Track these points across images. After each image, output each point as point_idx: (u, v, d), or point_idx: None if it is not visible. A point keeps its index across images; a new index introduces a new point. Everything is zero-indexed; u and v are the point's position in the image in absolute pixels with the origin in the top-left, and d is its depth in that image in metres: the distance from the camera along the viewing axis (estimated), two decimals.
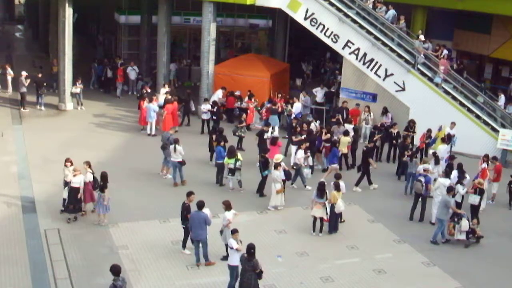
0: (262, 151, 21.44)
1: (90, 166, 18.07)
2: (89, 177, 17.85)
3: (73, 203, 17.51)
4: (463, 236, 17.78)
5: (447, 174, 19.35)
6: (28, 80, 29.01)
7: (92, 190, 17.88)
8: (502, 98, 27.40)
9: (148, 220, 18.07)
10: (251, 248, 13.47)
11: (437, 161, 21.02)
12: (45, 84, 29.68)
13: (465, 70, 29.16)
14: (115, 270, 12.27)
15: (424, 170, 19.47)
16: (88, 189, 17.80)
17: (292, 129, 23.85)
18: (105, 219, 17.57)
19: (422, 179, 19.09)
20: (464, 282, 15.81)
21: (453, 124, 24.00)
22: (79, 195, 17.57)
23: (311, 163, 21.69)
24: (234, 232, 14.51)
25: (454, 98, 26.01)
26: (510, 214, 19.59)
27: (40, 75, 30.04)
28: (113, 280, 12.18)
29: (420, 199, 19.16)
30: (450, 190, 18.03)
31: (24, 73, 29.26)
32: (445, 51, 27.82)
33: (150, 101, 26.17)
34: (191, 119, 28.18)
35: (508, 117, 26.07)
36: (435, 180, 19.77)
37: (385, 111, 26.25)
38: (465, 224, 17.69)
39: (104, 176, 17.47)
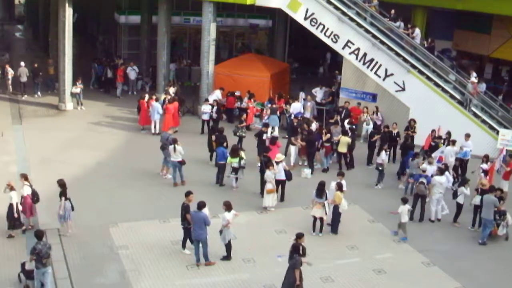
0: (263, 150, 21.44)
1: (27, 179, 17.19)
2: (27, 191, 16.83)
3: (11, 220, 16.57)
4: (505, 231, 18.09)
5: (442, 172, 19.36)
6: (26, 70, 31.16)
7: (31, 203, 16.88)
8: (474, 76, 27.45)
9: (148, 220, 18.07)
10: (292, 247, 14.04)
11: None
12: (40, 73, 31.66)
13: (435, 49, 29.15)
14: (38, 234, 13.83)
15: (423, 171, 19.49)
16: (28, 202, 16.76)
17: (293, 130, 23.83)
18: (69, 229, 16.77)
19: (424, 180, 19.09)
20: (464, 282, 15.81)
21: (467, 136, 23.27)
22: (15, 211, 16.43)
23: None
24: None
25: (451, 96, 26.05)
26: (510, 214, 19.54)
27: (36, 65, 31.98)
28: (35, 244, 13.59)
29: (419, 200, 19.18)
30: (493, 190, 18.19)
31: (22, 63, 31.60)
32: (417, 30, 27.71)
33: (157, 100, 26.26)
34: (191, 119, 28.29)
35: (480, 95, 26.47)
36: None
37: (376, 111, 26.34)
38: (510, 219, 18.07)
39: (62, 185, 16.78)
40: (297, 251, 13.97)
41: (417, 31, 27.69)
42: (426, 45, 28.20)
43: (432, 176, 19.65)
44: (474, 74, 27.47)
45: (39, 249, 13.51)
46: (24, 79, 31.22)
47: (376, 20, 27.44)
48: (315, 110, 28.09)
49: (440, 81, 26.31)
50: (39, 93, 31.38)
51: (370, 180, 22.24)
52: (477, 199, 18.72)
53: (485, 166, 21.00)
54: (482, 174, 20.62)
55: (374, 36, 26.88)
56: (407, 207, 17.98)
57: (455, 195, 19.23)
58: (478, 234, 18.48)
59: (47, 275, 13.69)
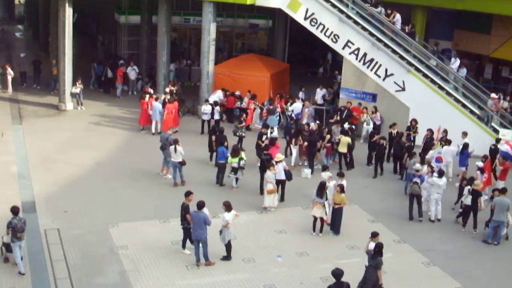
0: (262, 149, 21.44)
1: None
2: None
3: None
4: (505, 231, 18.17)
5: (441, 174, 19.36)
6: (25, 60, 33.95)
7: None
8: (457, 62, 27.52)
9: (148, 220, 18.07)
10: (376, 247, 14.13)
11: (422, 161, 21.02)
12: (41, 64, 33.55)
13: (416, 34, 28.98)
14: (14, 210, 14.90)
15: (417, 171, 19.55)
16: None
17: (296, 131, 23.79)
18: None
19: (418, 180, 19.13)
20: (464, 282, 15.81)
21: (464, 134, 23.28)
22: None
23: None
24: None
25: (450, 95, 26.02)
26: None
27: (37, 58, 34.17)
28: (11, 218, 14.73)
29: (415, 199, 19.22)
30: (505, 191, 18.23)
31: (22, 55, 34.86)
32: (398, 15, 27.70)
33: (156, 99, 26.31)
34: (191, 119, 28.41)
35: (460, 80, 26.62)
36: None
37: (374, 111, 26.35)
38: (511, 219, 18.16)
39: None
40: (380, 252, 14.09)
41: (398, 16, 27.67)
42: (407, 31, 28.18)
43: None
44: (458, 60, 27.58)
45: (15, 224, 14.67)
46: (23, 69, 33.47)
47: (357, 6, 27.44)
48: (312, 116, 27.22)
49: (436, 78, 26.34)
50: (38, 86, 32.77)
51: (370, 180, 22.26)
52: (468, 200, 18.81)
53: (480, 164, 21.06)
54: (478, 172, 20.69)
55: (373, 35, 26.88)
56: (328, 173, 19.29)
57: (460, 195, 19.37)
58: (478, 234, 18.53)
59: (20, 248, 14.78)
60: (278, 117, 26.99)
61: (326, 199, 17.76)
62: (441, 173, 19.36)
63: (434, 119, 24.74)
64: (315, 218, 17.80)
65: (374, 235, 14.84)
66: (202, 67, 28.97)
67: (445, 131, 23.48)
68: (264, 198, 19.31)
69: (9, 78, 31.76)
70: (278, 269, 15.77)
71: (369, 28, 27.09)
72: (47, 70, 33.30)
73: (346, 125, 24.48)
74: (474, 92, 26.55)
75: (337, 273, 13.10)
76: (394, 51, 26.64)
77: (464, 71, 27.56)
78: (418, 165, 20.00)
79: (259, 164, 21.26)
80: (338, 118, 25.60)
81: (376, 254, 14.07)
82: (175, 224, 16.94)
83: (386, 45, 26.71)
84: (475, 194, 18.60)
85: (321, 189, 17.70)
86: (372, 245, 14.51)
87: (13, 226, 14.65)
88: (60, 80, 29.35)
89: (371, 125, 25.86)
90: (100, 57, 36.52)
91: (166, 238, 17.03)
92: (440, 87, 26.09)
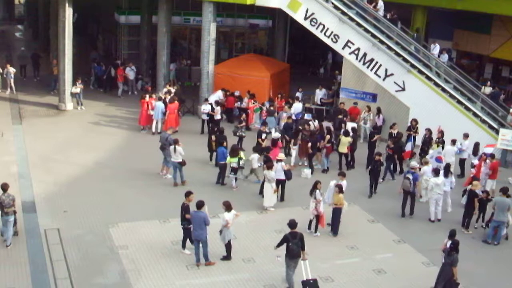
0: (264, 150, 21.44)
1: None
2: None
3: None
4: (505, 231, 18.23)
5: (437, 173, 19.36)
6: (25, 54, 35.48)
7: None
8: (437, 48, 27.56)
9: (148, 220, 18.07)
10: (452, 244, 14.56)
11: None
12: (40, 57, 35.26)
13: (398, 20, 28.90)
14: (3, 187, 15.78)
15: (412, 168, 19.60)
16: None
17: (295, 131, 23.79)
18: None
19: (410, 176, 19.19)
20: (464, 282, 15.77)
21: (465, 136, 23.23)
22: None
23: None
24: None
25: (451, 96, 26.05)
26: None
27: (36, 51, 35.74)
28: (0, 194, 15.68)
29: (409, 195, 19.30)
30: (507, 191, 18.21)
31: (22, 48, 36.27)
32: (381, 3, 27.71)
33: (160, 99, 26.24)
34: (191, 119, 28.47)
35: (442, 66, 26.81)
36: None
37: (378, 112, 26.27)
38: (510, 219, 18.22)
39: None
40: (456, 248, 14.38)
41: (381, 3, 27.71)
42: (388, 17, 28.13)
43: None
44: (437, 45, 27.57)
45: (2, 200, 15.62)
46: (23, 62, 35.01)
47: (354, 5, 27.51)
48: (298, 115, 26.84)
49: (435, 77, 26.34)
50: (37, 79, 34.16)
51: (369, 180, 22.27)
52: (463, 199, 18.84)
53: (476, 161, 21.14)
54: (473, 170, 20.74)
55: (369, 32, 26.89)
56: (256, 155, 20.76)
57: (464, 194, 19.39)
58: (478, 234, 18.56)
59: (9, 223, 15.80)
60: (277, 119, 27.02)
61: (315, 197, 17.70)
62: (437, 172, 19.34)
63: (434, 119, 24.75)
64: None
65: (453, 234, 14.96)
66: (202, 67, 28.97)
67: (441, 132, 23.47)
68: (264, 198, 19.29)
69: (11, 76, 31.60)
70: (278, 269, 15.75)
71: (366, 26, 27.06)
72: (47, 70, 33.30)
73: (348, 125, 24.44)
74: (459, 80, 26.53)
75: (292, 223, 14.65)
76: (392, 50, 26.60)
77: (445, 57, 27.54)
78: (414, 163, 20.10)
79: (259, 164, 21.25)
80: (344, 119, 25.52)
81: (452, 251, 14.26)
82: (175, 224, 16.95)
83: (382, 42, 26.67)
84: (471, 195, 18.63)
85: (312, 187, 17.77)
86: (449, 243, 14.71)
87: (0, 202, 15.55)
88: (60, 80, 29.35)
89: (369, 124, 25.85)
90: (99, 58, 36.45)
91: (166, 238, 17.04)
92: (436, 84, 26.07)
